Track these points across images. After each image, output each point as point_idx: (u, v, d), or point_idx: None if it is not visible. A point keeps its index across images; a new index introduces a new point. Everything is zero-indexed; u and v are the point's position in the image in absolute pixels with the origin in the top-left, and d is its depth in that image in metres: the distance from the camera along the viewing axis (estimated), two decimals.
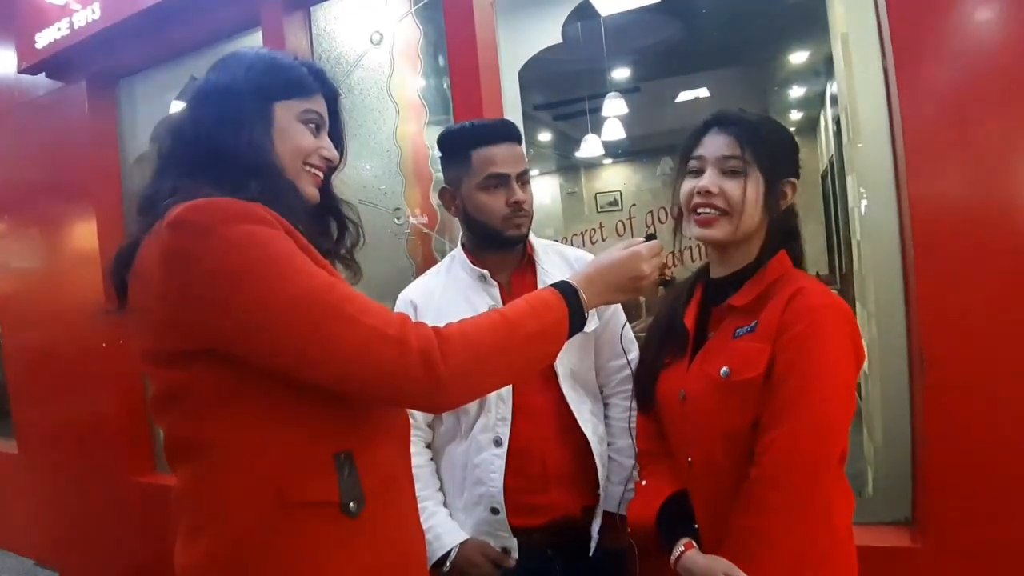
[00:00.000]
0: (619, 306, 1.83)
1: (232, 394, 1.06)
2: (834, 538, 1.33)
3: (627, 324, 1.85)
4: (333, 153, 1.26)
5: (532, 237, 1.82)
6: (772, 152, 1.38)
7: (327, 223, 1.32)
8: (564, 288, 1.23)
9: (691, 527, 1.42)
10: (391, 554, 1.16)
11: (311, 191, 1.23)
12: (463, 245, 1.81)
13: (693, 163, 1.42)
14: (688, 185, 1.42)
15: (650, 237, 1.37)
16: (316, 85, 1.24)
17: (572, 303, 1.21)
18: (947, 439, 1.80)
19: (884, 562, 1.83)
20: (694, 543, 1.39)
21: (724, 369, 1.34)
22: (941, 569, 1.82)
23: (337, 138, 1.30)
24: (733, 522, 1.30)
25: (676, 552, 1.39)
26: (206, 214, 1.00)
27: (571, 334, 1.22)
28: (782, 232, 1.44)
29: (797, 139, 1.47)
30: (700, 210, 1.39)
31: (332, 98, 1.28)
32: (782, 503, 1.25)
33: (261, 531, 1.05)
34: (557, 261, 1.81)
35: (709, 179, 1.38)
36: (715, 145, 1.39)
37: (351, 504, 1.09)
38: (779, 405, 1.27)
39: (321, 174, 1.25)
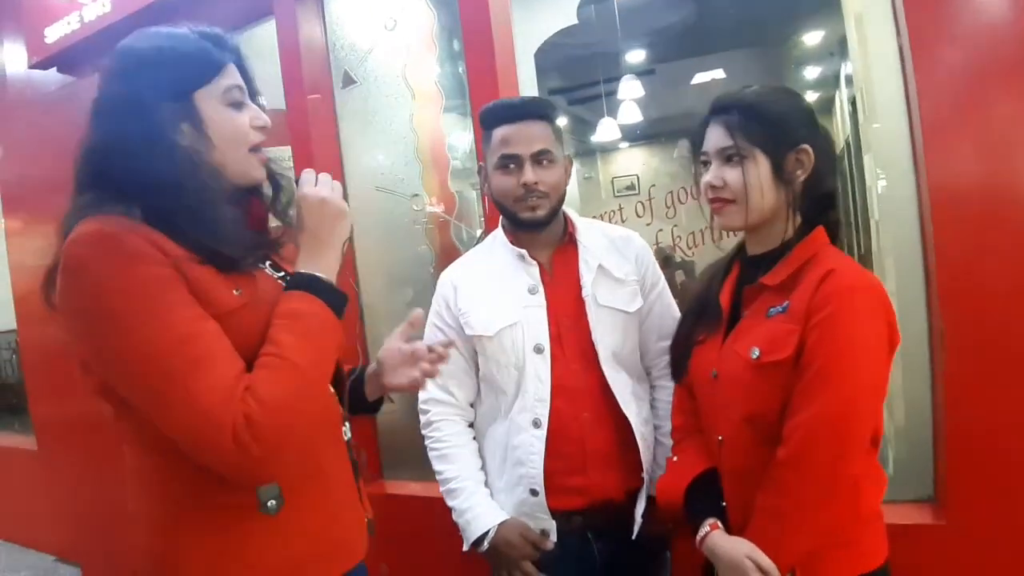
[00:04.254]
0: (666, 286, 1.83)
1: None
2: (860, 520, 1.33)
3: (673, 304, 1.84)
4: (264, 119, 1.22)
5: (575, 216, 1.80)
6: (772, 126, 1.36)
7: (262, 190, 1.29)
8: (299, 283, 1.17)
9: (719, 505, 1.42)
10: (313, 545, 1.19)
11: (260, 174, 1.23)
12: (502, 225, 1.81)
13: (703, 157, 1.44)
14: (702, 180, 1.45)
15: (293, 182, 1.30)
16: (225, 55, 1.18)
17: (316, 288, 1.16)
18: (967, 416, 1.81)
19: (907, 540, 1.82)
20: (719, 524, 1.39)
21: (754, 350, 1.34)
22: (964, 546, 1.82)
23: (254, 98, 1.24)
24: (759, 502, 1.31)
25: (701, 532, 1.40)
26: (83, 250, 1.02)
27: (339, 310, 1.17)
28: (815, 200, 1.41)
29: None
30: (713, 202, 1.42)
31: (240, 61, 1.23)
32: (807, 484, 1.26)
33: (183, 530, 1.11)
34: (600, 240, 1.79)
35: (712, 174, 1.41)
36: (713, 138, 1.41)
37: (269, 503, 1.12)
38: (807, 387, 1.27)
39: (266, 154, 1.23)
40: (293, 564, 1.16)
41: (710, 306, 1.51)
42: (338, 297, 1.18)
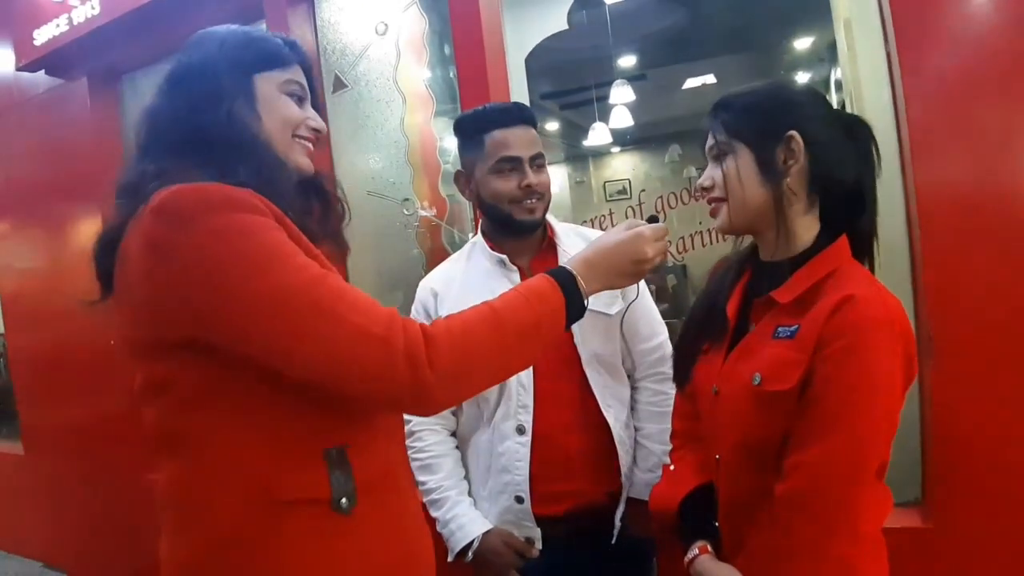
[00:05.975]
0: (646, 287, 1.81)
1: (216, 387, 1.02)
2: (859, 545, 1.23)
3: (654, 307, 1.82)
4: (320, 123, 1.23)
5: (553, 221, 1.80)
6: (750, 117, 1.29)
7: (311, 199, 1.28)
8: (561, 276, 1.15)
9: (711, 525, 1.38)
10: (385, 553, 1.11)
11: (304, 161, 1.21)
12: (483, 231, 1.80)
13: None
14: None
15: (652, 219, 1.31)
16: (293, 56, 1.20)
17: (569, 291, 1.14)
18: (955, 421, 1.81)
19: (895, 542, 1.83)
20: (709, 547, 1.35)
21: (756, 376, 1.23)
22: (951, 549, 1.83)
23: (316, 110, 1.26)
24: (754, 536, 1.25)
25: (690, 554, 1.36)
26: (189, 201, 0.96)
27: (570, 323, 1.15)
28: (833, 200, 1.30)
29: None
30: (709, 203, 1.37)
31: (308, 70, 1.24)
32: (808, 525, 1.17)
33: (247, 529, 1.02)
34: (579, 243, 1.75)
35: (704, 175, 1.36)
36: (707, 142, 1.36)
37: (342, 500, 1.05)
38: (812, 424, 1.16)
39: (311, 145, 1.22)
40: (367, 570, 1.09)
41: (715, 315, 1.41)
42: (578, 307, 1.16)
